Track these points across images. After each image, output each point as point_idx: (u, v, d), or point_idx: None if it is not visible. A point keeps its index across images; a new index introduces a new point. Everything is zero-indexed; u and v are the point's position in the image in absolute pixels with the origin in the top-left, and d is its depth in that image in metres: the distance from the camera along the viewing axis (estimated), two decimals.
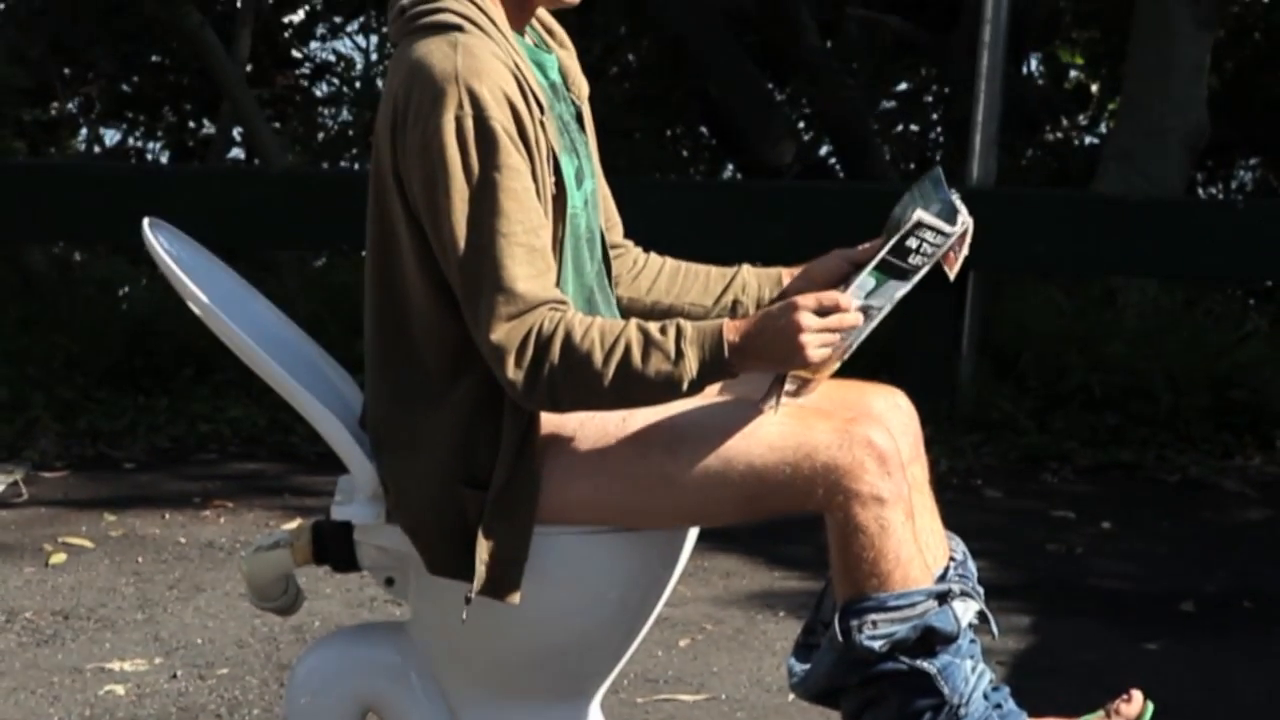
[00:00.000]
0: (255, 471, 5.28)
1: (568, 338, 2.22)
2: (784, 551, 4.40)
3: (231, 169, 8.49)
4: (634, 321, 2.25)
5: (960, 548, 2.46)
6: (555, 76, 2.44)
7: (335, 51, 10.13)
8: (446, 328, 2.29)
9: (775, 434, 2.28)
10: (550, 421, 2.33)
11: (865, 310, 2.27)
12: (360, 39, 10.02)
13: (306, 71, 10.13)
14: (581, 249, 2.41)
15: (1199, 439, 5.67)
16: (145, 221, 2.46)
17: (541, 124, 2.28)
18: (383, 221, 2.32)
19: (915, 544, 2.30)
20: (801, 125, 9.04)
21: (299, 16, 9.85)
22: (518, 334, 2.22)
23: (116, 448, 5.46)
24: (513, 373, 2.22)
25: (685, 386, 2.23)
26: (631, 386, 2.22)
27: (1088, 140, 9.51)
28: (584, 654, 2.45)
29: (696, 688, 3.57)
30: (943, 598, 2.31)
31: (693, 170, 9.38)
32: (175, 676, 3.55)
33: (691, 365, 2.22)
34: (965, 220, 2.30)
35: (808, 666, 2.39)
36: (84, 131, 9.50)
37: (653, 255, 2.62)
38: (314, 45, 10.11)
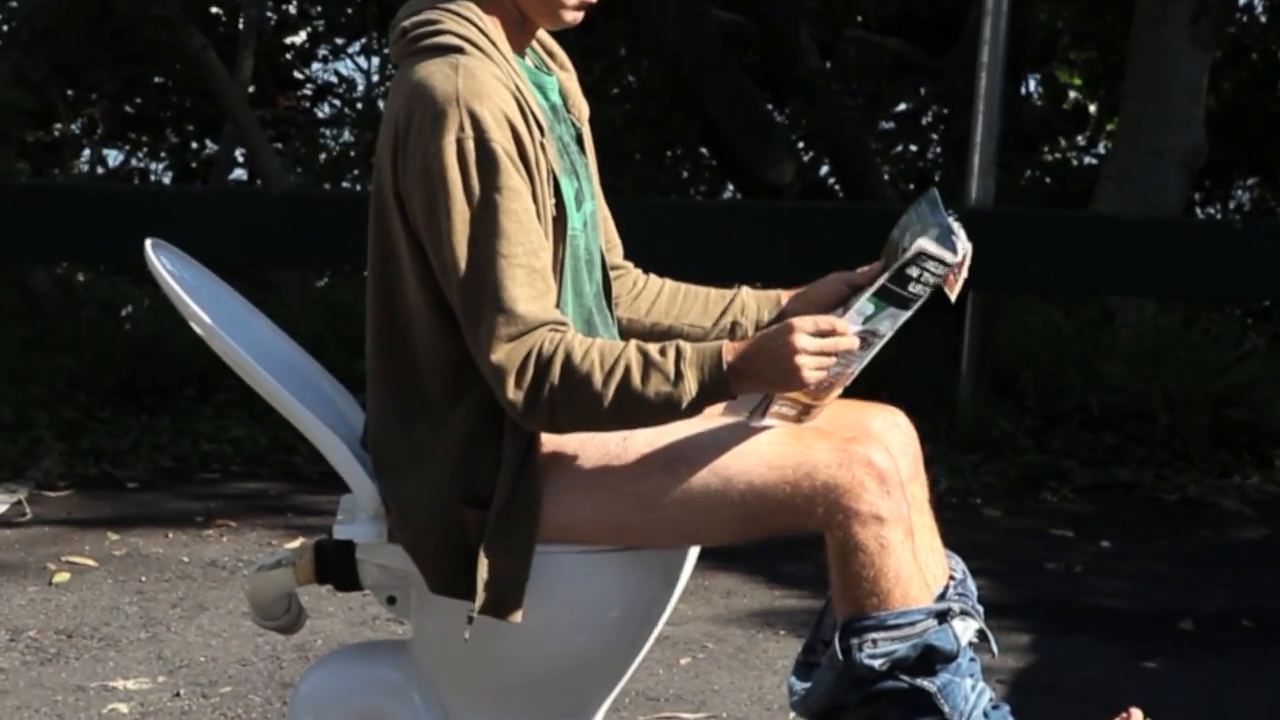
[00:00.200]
0: (258, 491, 5.29)
1: (568, 359, 2.23)
2: (784, 570, 4.41)
3: (234, 190, 8.48)
4: (633, 343, 2.26)
5: (960, 566, 2.47)
6: (556, 98, 2.45)
7: (337, 73, 10.18)
8: (447, 348, 2.30)
9: (775, 453, 2.29)
10: (551, 441, 2.34)
11: (863, 336, 2.27)
12: (362, 60, 10.05)
13: (308, 93, 10.16)
14: (581, 270, 2.41)
15: (1197, 458, 5.68)
16: (148, 242, 2.47)
17: (542, 146, 2.29)
18: (384, 242, 2.33)
19: (915, 562, 2.31)
20: (801, 146, 9.04)
21: (301, 38, 9.89)
22: (518, 355, 2.23)
23: (119, 467, 5.47)
24: (513, 393, 2.23)
25: (684, 407, 2.24)
26: (631, 407, 2.23)
27: (1086, 160, 9.53)
28: (586, 673, 2.46)
29: (697, 706, 3.58)
30: (942, 616, 2.31)
31: (693, 191, 9.39)
32: (178, 695, 3.55)
33: (691, 386, 2.23)
34: (965, 247, 2.30)
35: (808, 685, 2.39)
36: (87, 153, 9.52)
37: (652, 276, 2.63)
38: (316, 67, 10.15)
